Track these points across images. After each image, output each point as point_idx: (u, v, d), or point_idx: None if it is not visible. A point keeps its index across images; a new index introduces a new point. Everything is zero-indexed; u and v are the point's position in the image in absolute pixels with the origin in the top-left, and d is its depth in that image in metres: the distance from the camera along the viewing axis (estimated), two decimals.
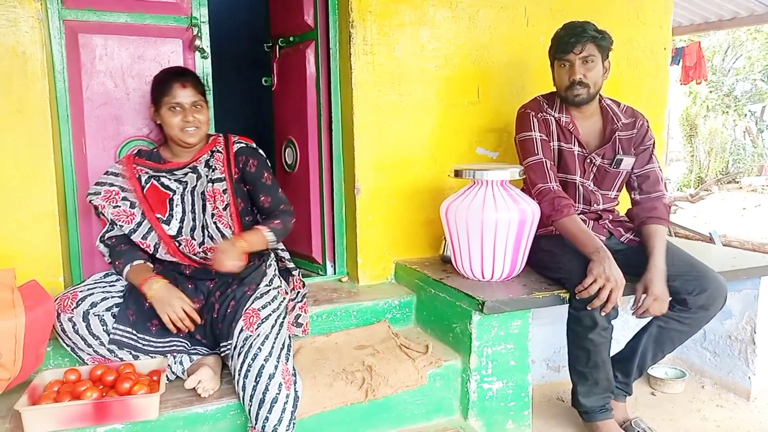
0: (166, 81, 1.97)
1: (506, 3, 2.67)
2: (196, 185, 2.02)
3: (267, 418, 1.67)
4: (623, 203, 2.48)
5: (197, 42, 2.33)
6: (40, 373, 1.77)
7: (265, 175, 2.06)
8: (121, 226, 1.97)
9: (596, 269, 1.92)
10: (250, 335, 1.76)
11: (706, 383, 2.60)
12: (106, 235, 2.00)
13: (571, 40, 2.14)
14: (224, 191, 2.00)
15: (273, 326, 1.82)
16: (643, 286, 2.02)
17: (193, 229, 2.00)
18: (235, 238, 1.92)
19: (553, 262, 2.18)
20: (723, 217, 7.92)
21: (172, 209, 1.99)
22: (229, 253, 1.84)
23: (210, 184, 2.00)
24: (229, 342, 1.82)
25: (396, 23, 2.49)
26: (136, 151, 2.07)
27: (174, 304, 1.85)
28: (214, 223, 2.00)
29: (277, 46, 2.93)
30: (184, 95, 1.95)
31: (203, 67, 2.38)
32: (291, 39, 2.82)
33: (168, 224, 1.98)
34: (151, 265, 1.99)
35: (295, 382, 1.78)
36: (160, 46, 2.32)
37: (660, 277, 2.01)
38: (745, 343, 2.47)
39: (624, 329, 2.32)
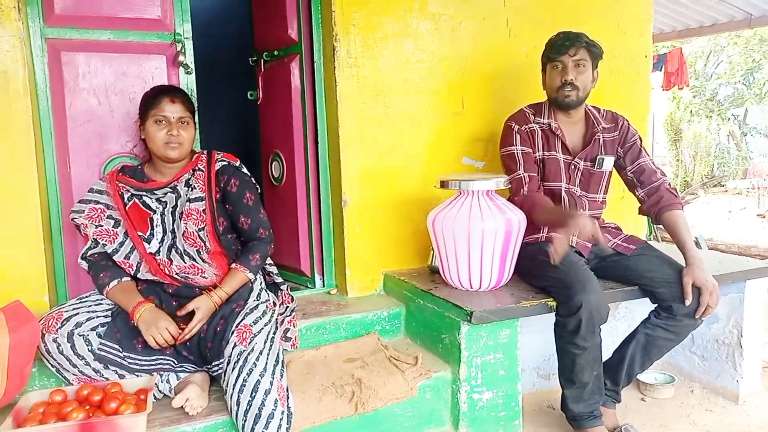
0: (155, 95, 1.97)
1: (488, 14, 2.70)
2: (175, 205, 2.01)
3: None
4: (610, 210, 2.51)
5: (181, 58, 2.33)
6: (25, 394, 1.75)
7: (247, 195, 2.04)
8: (104, 245, 1.96)
9: (575, 223, 1.93)
10: (244, 350, 1.76)
11: (695, 387, 2.61)
12: (89, 252, 1.99)
13: (566, 43, 2.19)
14: (203, 211, 1.98)
15: (266, 341, 1.82)
16: (691, 281, 2.01)
17: (170, 249, 1.99)
18: (212, 293, 1.92)
19: (539, 270, 2.19)
20: (709, 220, 7.99)
21: (153, 228, 1.98)
22: (201, 314, 1.87)
23: (188, 204, 1.99)
24: (221, 360, 1.81)
25: (380, 36, 2.51)
26: (120, 168, 2.06)
27: (160, 326, 1.83)
28: (183, 243, 1.99)
29: (262, 60, 2.93)
30: (171, 110, 1.94)
31: (187, 83, 2.38)
32: (275, 53, 2.83)
33: (149, 243, 1.97)
34: (134, 283, 1.97)
35: (288, 398, 1.77)
36: (143, 63, 2.32)
37: (702, 267, 2.04)
38: (732, 347, 2.49)
39: (612, 336, 2.33)
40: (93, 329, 1.85)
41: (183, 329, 1.88)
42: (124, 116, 2.29)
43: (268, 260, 2.17)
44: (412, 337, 2.40)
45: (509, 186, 2.27)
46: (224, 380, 1.78)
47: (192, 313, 1.89)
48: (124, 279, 1.94)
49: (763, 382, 2.57)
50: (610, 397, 2.19)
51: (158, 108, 1.94)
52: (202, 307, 1.88)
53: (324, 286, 2.73)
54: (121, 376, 1.87)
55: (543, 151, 2.31)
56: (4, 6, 2.01)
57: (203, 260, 2.00)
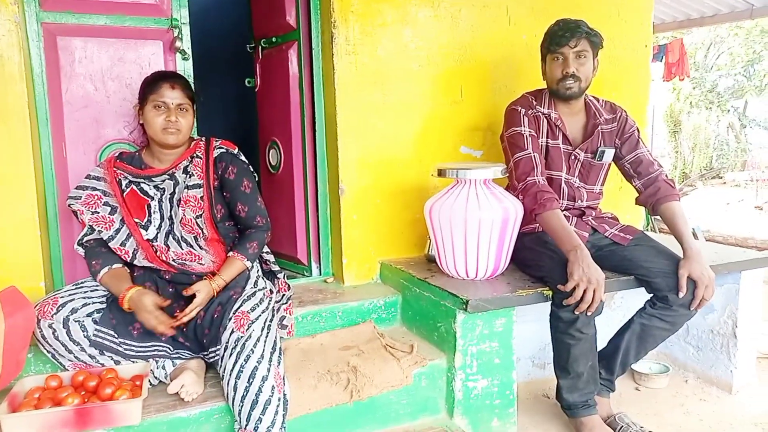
0: (155, 80, 1.95)
1: (488, 2, 2.68)
2: (173, 192, 2.00)
3: (260, 419, 1.67)
4: (607, 200, 2.51)
5: (178, 44, 2.32)
6: (21, 380, 1.75)
7: (245, 182, 2.03)
8: (100, 231, 1.96)
9: (576, 272, 1.91)
10: (242, 336, 1.76)
11: (690, 377, 2.62)
12: (85, 238, 1.98)
13: (566, 34, 2.16)
14: (201, 198, 1.98)
15: (263, 328, 1.82)
16: (686, 273, 2.01)
17: (167, 235, 1.99)
18: (211, 279, 1.92)
19: (535, 260, 2.19)
20: (707, 212, 8.00)
21: (150, 215, 1.98)
22: (201, 298, 1.87)
23: (186, 191, 1.99)
24: (218, 347, 1.81)
25: (378, 23, 2.49)
26: (117, 154, 2.05)
27: (148, 307, 1.83)
28: (181, 229, 1.99)
29: (260, 47, 2.92)
30: (170, 95, 1.93)
31: (184, 69, 2.36)
32: (273, 40, 2.81)
33: (146, 229, 1.97)
34: (128, 270, 1.97)
35: (284, 385, 1.78)
36: (140, 48, 2.30)
37: (699, 259, 2.03)
38: (726, 338, 2.50)
39: (608, 325, 2.34)
40: (89, 315, 1.85)
41: (179, 313, 1.88)
42: (121, 102, 2.28)
43: (265, 248, 2.17)
44: (408, 326, 2.40)
45: (507, 173, 2.25)
46: (221, 366, 1.78)
47: (191, 298, 1.89)
48: (114, 266, 1.93)
49: (757, 372, 2.59)
50: (604, 386, 2.20)
51: (158, 93, 1.93)
52: (203, 291, 1.89)
53: (320, 274, 2.73)
54: (117, 362, 1.87)
55: (547, 138, 2.30)
56: None
57: (200, 247, 2.00)
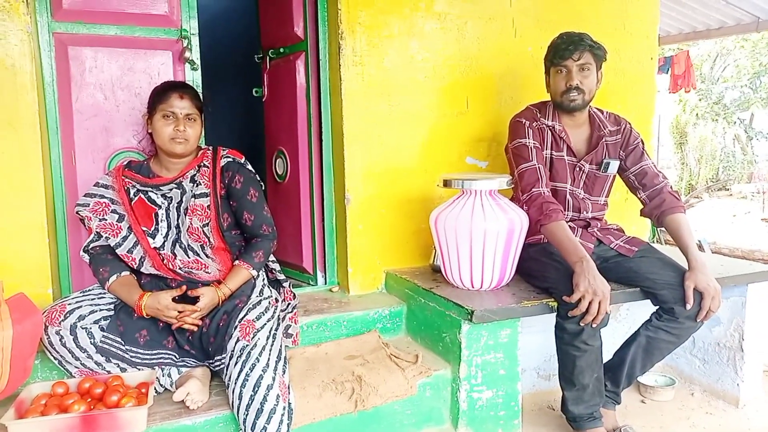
0: (165, 90, 1.98)
1: (494, 14, 2.70)
2: (180, 200, 2.02)
3: (265, 428, 1.67)
4: (612, 211, 2.51)
5: (187, 54, 2.34)
6: (28, 386, 1.76)
7: (251, 191, 2.05)
8: (107, 238, 1.97)
9: (582, 284, 1.91)
10: (247, 344, 1.76)
11: (696, 390, 2.61)
12: (91, 245, 1.99)
13: (569, 47, 2.18)
14: (208, 207, 2.00)
15: (268, 337, 1.83)
16: (693, 285, 2.00)
17: (174, 244, 2.00)
18: (218, 287, 1.93)
19: (540, 271, 2.19)
20: (713, 224, 7.97)
21: (157, 223, 2.00)
22: (204, 302, 1.88)
23: (193, 199, 2.00)
24: (223, 355, 1.82)
25: (385, 34, 2.51)
26: (126, 163, 2.07)
27: (164, 308, 1.85)
28: (188, 238, 2.00)
29: (268, 57, 2.94)
30: (179, 105, 1.96)
31: (193, 79, 2.39)
32: (281, 50, 2.83)
33: (153, 238, 1.98)
34: (135, 277, 1.98)
35: (289, 394, 1.79)
36: (149, 59, 2.33)
37: (704, 271, 2.03)
38: (733, 351, 2.48)
39: (613, 337, 2.34)
40: (96, 322, 1.86)
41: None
42: (130, 111, 2.31)
43: (271, 257, 2.18)
44: (412, 336, 2.40)
45: (513, 183, 2.26)
46: (226, 374, 1.79)
47: (195, 301, 1.91)
48: (123, 273, 1.95)
49: (764, 386, 2.57)
50: (610, 398, 2.19)
51: (167, 103, 1.95)
52: (208, 295, 1.90)
53: (326, 283, 2.74)
54: (123, 370, 1.88)
55: (551, 150, 2.31)
56: (12, 0, 2.02)
57: (207, 255, 2.01)
